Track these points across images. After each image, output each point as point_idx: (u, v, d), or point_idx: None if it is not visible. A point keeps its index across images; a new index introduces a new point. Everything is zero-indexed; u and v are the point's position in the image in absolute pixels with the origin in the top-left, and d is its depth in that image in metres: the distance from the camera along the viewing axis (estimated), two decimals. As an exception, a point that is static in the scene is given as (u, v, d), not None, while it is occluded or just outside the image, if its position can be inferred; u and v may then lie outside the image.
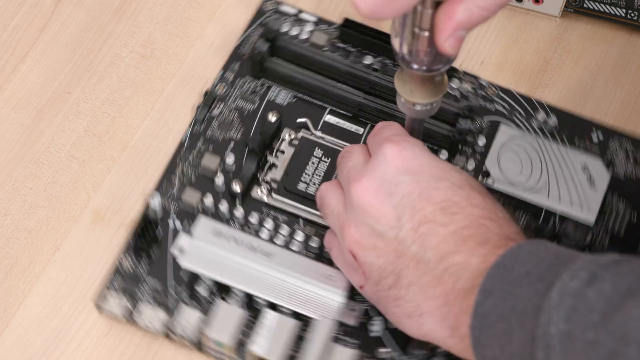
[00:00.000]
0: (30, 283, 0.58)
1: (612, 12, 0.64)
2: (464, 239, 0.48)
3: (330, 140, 0.61)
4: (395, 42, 0.49)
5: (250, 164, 0.59)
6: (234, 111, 0.62)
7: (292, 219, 0.58)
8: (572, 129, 0.61)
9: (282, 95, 0.62)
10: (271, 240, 0.58)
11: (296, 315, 0.55)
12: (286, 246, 0.58)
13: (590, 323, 0.40)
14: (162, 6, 0.66)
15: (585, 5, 0.64)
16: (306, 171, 0.59)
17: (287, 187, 0.59)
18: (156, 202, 0.58)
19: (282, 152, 0.60)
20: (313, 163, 0.60)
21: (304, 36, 0.64)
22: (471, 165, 0.60)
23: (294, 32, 0.64)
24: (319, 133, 0.61)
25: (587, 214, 0.58)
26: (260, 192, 0.59)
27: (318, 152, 0.60)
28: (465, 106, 0.60)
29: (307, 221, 0.58)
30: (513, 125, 0.61)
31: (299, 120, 0.61)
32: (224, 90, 0.62)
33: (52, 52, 0.65)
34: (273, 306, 0.55)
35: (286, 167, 0.59)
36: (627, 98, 0.64)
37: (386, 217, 0.50)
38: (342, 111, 0.62)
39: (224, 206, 0.59)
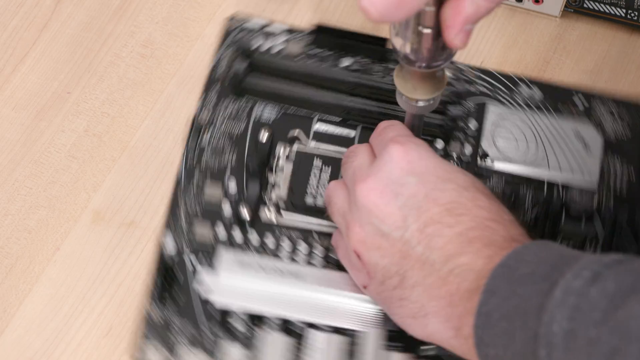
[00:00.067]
0: (30, 283, 0.58)
1: (612, 12, 0.64)
2: (470, 241, 0.48)
3: (325, 148, 0.60)
4: (397, 41, 0.48)
5: (253, 186, 0.58)
6: (223, 135, 0.60)
7: (306, 234, 0.58)
8: (554, 98, 0.61)
9: (267, 111, 0.61)
10: (292, 259, 0.57)
11: (336, 331, 0.55)
12: (309, 262, 0.57)
13: (592, 321, 0.40)
14: (162, 6, 0.66)
15: (585, 5, 0.64)
16: (310, 183, 0.59)
17: (295, 203, 0.58)
18: (169, 243, 0.57)
19: (282, 169, 0.59)
20: (315, 174, 0.59)
21: (277, 48, 0.63)
22: (468, 149, 0.60)
23: (266, 45, 0.63)
24: (312, 144, 0.60)
25: (589, 178, 0.59)
26: (269, 213, 0.58)
27: (317, 162, 0.59)
28: (451, 92, 0.60)
29: (321, 234, 0.58)
30: (499, 104, 0.61)
31: (290, 134, 0.60)
32: (209, 115, 0.61)
33: (52, 52, 0.65)
34: (311, 326, 0.55)
35: (289, 183, 0.59)
36: (627, 98, 0.64)
37: (391, 217, 0.50)
38: (330, 117, 0.61)
39: (236, 232, 0.58)
